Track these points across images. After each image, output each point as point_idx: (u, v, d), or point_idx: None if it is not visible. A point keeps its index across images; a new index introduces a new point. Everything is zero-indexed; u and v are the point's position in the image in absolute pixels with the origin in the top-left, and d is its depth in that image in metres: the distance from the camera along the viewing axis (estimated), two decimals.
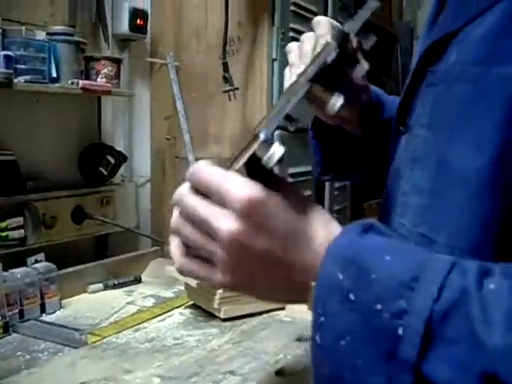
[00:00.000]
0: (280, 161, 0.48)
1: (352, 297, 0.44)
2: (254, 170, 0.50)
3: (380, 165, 0.76)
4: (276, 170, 0.52)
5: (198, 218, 0.50)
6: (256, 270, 0.50)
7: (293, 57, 0.77)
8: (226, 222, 0.48)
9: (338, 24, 0.75)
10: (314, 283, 0.47)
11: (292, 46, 0.78)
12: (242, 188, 0.48)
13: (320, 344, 0.46)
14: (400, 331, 0.41)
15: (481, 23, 0.49)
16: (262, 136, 0.48)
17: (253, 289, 0.53)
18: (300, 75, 0.59)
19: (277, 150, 0.48)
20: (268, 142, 0.48)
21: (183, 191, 0.52)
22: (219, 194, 0.48)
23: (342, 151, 0.87)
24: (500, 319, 0.38)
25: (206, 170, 0.50)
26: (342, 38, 0.64)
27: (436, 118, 0.53)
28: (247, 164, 0.50)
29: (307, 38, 0.76)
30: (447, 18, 0.58)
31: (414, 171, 0.56)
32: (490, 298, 0.40)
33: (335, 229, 0.50)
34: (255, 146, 0.48)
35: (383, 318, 0.42)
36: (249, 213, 0.48)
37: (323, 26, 0.75)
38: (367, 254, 0.45)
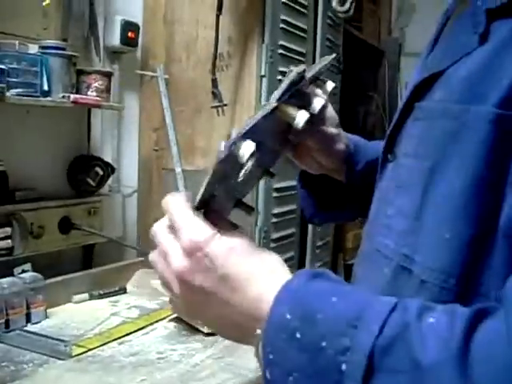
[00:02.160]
0: (252, 155, 0.52)
1: (298, 335, 0.47)
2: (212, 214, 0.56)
3: (363, 207, 0.81)
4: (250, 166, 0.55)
5: (163, 253, 0.56)
6: (199, 305, 0.56)
7: None
8: (175, 260, 0.54)
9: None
10: (258, 330, 0.50)
11: None
12: (190, 230, 0.54)
13: (270, 380, 0.48)
14: (343, 367, 0.43)
15: (462, 65, 0.54)
16: (222, 144, 0.53)
17: (204, 322, 0.60)
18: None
19: (248, 146, 0.52)
20: (236, 142, 0.53)
21: (158, 225, 0.58)
22: (178, 233, 0.55)
23: (328, 196, 0.92)
24: (435, 344, 0.41)
25: (173, 208, 0.57)
26: (298, 78, 0.67)
27: (421, 149, 0.57)
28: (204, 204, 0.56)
29: None
30: (435, 58, 0.63)
31: (399, 196, 0.60)
32: (429, 329, 0.42)
33: (282, 275, 0.53)
34: (221, 153, 0.52)
35: (328, 355, 0.44)
36: (191, 253, 0.54)
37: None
38: (314, 296, 0.49)
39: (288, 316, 0.48)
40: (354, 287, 0.54)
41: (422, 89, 0.59)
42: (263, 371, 0.49)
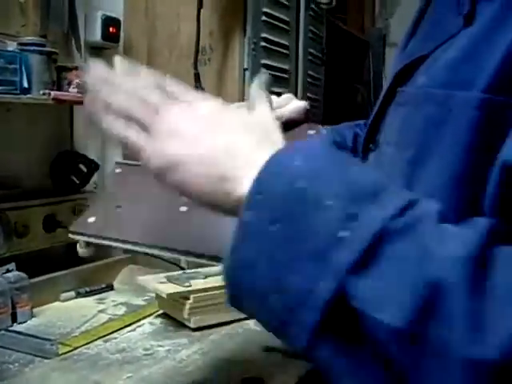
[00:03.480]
0: None
1: (301, 184, 0.40)
2: None
3: None
4: None
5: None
6: (186, 145, 0.52)
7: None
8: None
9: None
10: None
11: None
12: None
13: (248, 221, 0.42)
14: (341, 233, 0.38)
15: (448, 48, 0.52)
16: None
17: (183, 174, 0.52)
18: None
19: None
20: None
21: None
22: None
23: None
24: (454, 242, 0.37)
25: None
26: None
27: (403, 137, 0.56)
28: None
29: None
30: (418, 42, 0.61)
31: None
32: (447, 229, 0.38)
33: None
34: None
35: (330, 216, 0.39)
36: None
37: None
38: (334, 159, 0.44)
39: (296, 162, 0.41)
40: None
41: (405, 74, 0.58)
42: (242, 212, 0.42)
